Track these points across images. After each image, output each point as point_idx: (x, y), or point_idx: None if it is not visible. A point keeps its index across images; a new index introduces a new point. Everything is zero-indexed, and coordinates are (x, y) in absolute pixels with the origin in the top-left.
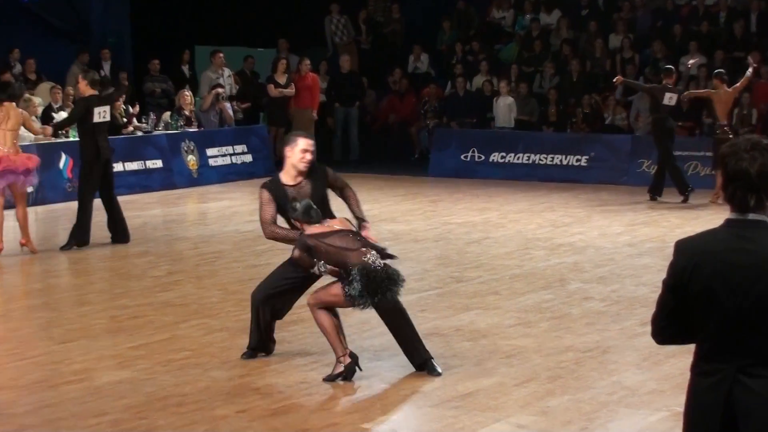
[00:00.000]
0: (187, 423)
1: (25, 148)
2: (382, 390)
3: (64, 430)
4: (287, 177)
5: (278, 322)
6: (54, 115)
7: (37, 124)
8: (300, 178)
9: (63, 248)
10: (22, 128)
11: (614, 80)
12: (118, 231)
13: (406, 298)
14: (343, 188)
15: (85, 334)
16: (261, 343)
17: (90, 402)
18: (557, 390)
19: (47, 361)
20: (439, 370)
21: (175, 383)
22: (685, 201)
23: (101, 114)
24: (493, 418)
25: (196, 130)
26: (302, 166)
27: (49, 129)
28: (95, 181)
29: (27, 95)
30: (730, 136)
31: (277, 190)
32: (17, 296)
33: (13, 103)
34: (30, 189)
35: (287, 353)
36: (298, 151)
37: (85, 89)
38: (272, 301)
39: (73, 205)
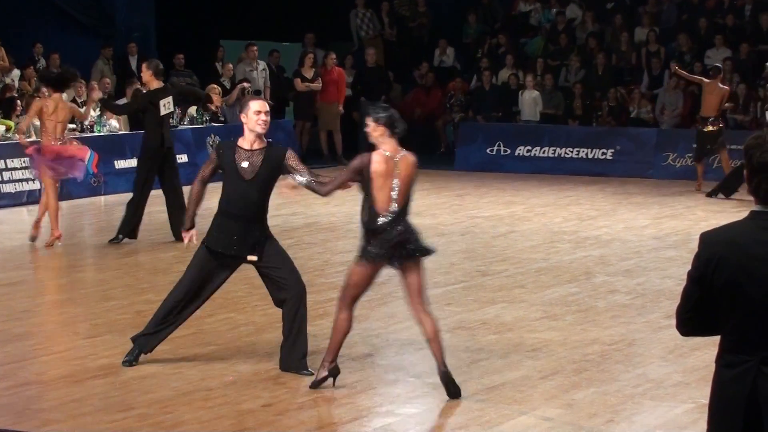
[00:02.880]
0: (213, 417)
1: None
2: (408, 383)
3: (90, 425)
4: (244, 142)
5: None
6: (81, 110)
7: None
8: (256, 144)
9: (112, 241)
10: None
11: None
12: (176, 224)
13: (431, 291)
14: (303, 171)
15: (111, 329)
16: None
17: (116, 397)
18: (583, 383)
19: (73, 357)
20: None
21: (201, 378)
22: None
23: (166, 105)
24: (519, 411)
25: (221, 124)
26: (260, 129)
27: (96, 94)
28: (153, 171)
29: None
30: (711, 129)
31: (227, 151)
32: (42, 291)
33: (63, 95)
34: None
35: (314, 347)
36: (252, 114)
37: (150, 80)
38: None
39: (98, 200)
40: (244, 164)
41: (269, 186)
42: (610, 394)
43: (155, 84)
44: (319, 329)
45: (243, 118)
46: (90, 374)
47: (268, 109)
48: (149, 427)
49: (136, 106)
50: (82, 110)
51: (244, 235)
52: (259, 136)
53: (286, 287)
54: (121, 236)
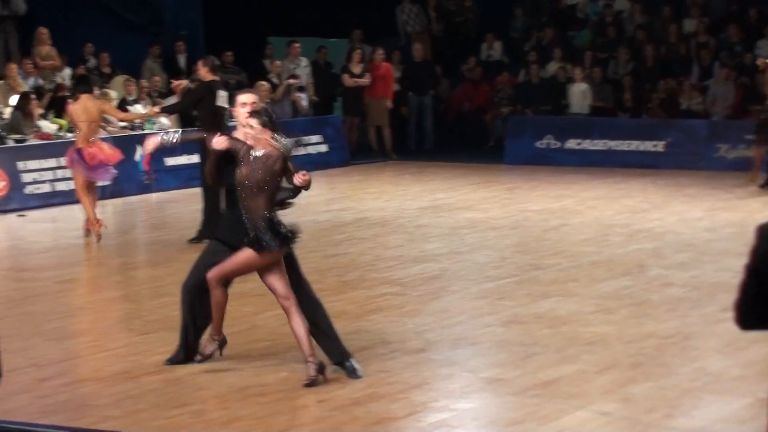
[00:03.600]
0: (268, 413)
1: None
2: (463, 377)
3: (146, 421)
4: (239, 136)
5: (356, 311)
6: (129, 108)
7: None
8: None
9: (192, 240)
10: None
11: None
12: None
13: (484, 285)
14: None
15: (165, 326)
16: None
17: (171, 393)
18: (639, 377)
19: (128, 353)
20: (360, 373)
21: (255, 373)
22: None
23: (222, 98)
24: (576, 406)
25: None
26: (245, 121)
27: (155, 110)
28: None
29: (104, 89)
30: None
31: (236, 140)
32: (97, 289)
33: (91, 95)
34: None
35: (367, 342)
36: (239, 107)
37: (206, 76)
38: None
39: (149, 197)
40: None
41: None
42: (668, 388)
43: (211, 78)
44: (371, 324)
45: (234, 111)
46: (145, 371)
47: (254, 100)
48: (204, 423)
49: (196, 95)
50: (123, 114)
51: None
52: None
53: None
54: (201, 238)
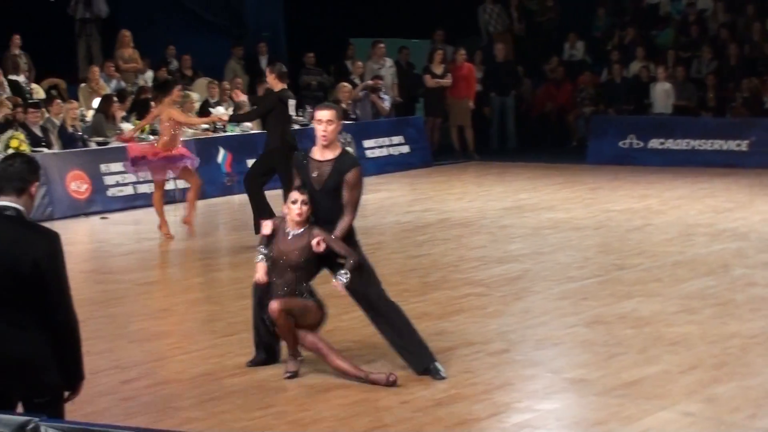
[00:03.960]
0: (351, 414)
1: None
2: (546, 378)
3: (229, 422)
4: (316, 151)
5: (439, 312)
6: (211, 110)
7: (190, 116)
8: (328, 153)
9: None
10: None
11: None
12: None
13: (567, 286)
14: (344, 204)
15: (247, 327)
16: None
17: (254, 394)
18: (723, 377)
19: (210, 355)
20: (443, 374)
21: (337, 374)
22: None
23: (293, 105)
24: (659, 406)
25: (352, 122)
26: (321, 141)
27: (224, 117)
28: (268, 171)
29: (185, 92)
30: None
31: (303, 162)
32: (179, 290)
33: (166, 99)
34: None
35: (450, 343)
36: (315, 123)
37: (275, 83)
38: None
39: (232, 199)
40: (314, 174)
41: (338, 195)
42: (752, 388)
43: (280, 86)
44: (454, 325)
45: (314, 125)
46: (228, 372)
47: (330, 117)
48: (287, 424)
49: (267, 106)
50: (187, 118)
51: None
52: (326, 145)
53: (370, 297)
54: None
